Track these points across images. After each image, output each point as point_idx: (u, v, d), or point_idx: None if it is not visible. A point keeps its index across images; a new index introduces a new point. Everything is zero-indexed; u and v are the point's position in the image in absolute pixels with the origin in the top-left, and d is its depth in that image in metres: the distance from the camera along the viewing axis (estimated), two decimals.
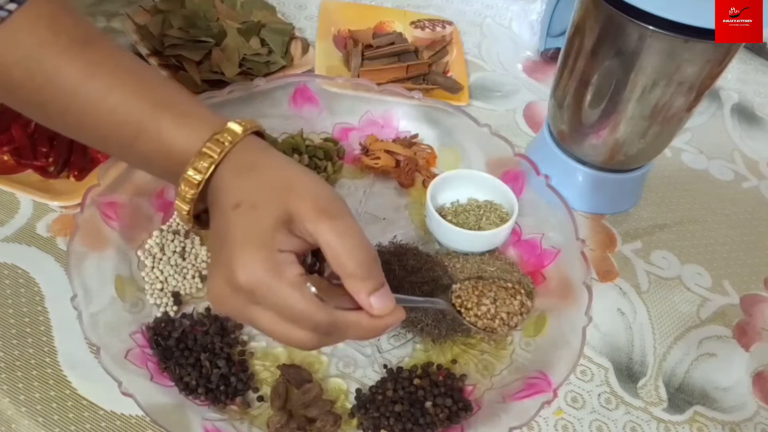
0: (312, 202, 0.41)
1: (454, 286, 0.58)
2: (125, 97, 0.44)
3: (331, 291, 0.42)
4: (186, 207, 0.44)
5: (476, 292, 0.57)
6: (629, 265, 0.70)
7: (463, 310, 0.57)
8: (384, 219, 0.69)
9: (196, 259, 0.61)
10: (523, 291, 0.59)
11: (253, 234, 0.40)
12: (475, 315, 0.56)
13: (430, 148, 0.73)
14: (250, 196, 0.41)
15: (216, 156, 0.42)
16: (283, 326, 0.40)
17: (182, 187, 0.44)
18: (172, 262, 0.59)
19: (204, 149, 0.43)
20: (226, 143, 0.43)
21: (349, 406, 0.54)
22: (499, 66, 0.92)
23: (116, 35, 0.83)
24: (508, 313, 0.57)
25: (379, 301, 0.42)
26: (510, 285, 0.59)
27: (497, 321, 0.56)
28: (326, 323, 0.40)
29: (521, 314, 0.57)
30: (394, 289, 0.59)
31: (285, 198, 0.41)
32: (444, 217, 0.65)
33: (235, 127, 0.44)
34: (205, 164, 0.42)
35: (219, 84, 0.75)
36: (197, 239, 0.62)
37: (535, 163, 0.66)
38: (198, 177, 0.43)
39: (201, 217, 0.47)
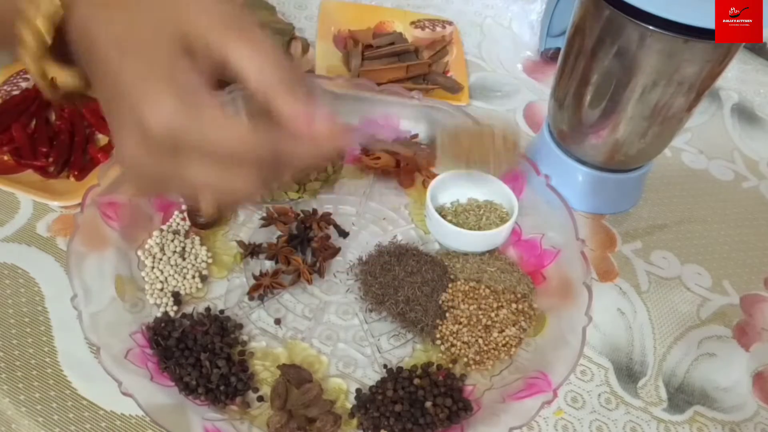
0: (212, 15, 0.34)
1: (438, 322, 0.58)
2: None
3: (260, 120, 0.35)
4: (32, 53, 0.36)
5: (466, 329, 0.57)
6: (629, 265, 0.70)
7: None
8: (384, 219, 0.69)
9: (196, 259, 0.61)
10: (521, 318, 0.59)
11: (151, 71, 0.32)
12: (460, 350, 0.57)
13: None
14: (132, 31, 0.34)
15: None
16: (219, 171, 0.34)
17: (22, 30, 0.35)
18: (172, 262, 0.59)
19: None
20: None
21: (349, 406, 0.54)
22: (499, 66, 0.92)
23: None
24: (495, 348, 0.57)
25: (321, 114, 0.35)
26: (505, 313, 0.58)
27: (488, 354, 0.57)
28: (268, 148, 0.34)
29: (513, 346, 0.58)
30: (394, 290, 0.60)
31: (176, 18, 0.34)
32: (444, 217, 0.65)
33: None
34: None
35: (219, 84, 0.74)
36: (197, 239, 0.62)
37: (535, 163, 0.66)
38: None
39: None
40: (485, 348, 0.57)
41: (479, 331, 0.57)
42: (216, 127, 0.33)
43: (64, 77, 0.39)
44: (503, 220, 0.65)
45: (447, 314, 0.58)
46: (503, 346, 0.57)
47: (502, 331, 0.57)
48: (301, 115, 0.34)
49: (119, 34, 0.33)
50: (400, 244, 0.64)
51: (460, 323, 0.57)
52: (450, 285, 0.60)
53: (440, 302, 0.59)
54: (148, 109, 0.32)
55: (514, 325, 0.58)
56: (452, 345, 0.57)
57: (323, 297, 0.61)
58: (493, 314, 0.58)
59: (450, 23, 0.93)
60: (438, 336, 0.58)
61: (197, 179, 0.34)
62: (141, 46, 0.33)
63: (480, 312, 0.58)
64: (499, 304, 0.58)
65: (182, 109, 0.32)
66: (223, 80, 0.81)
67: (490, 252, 0.65)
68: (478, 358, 0.57)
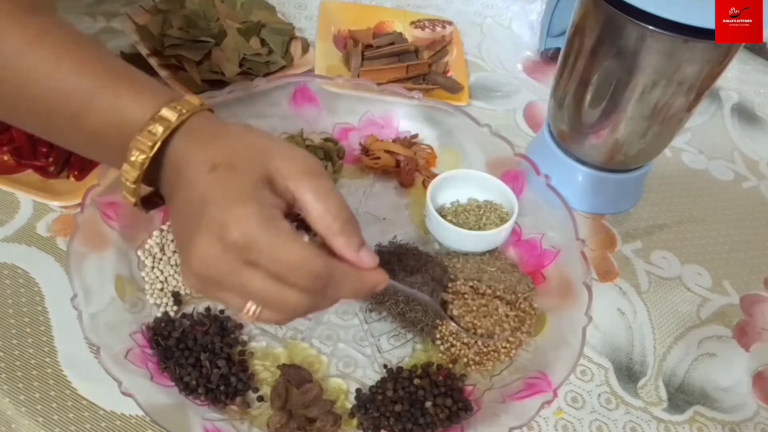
0: (293, 162, 0.40)
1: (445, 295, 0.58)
2: (75, 65, 0.41)
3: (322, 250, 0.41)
4: (134, 174, 0.40)
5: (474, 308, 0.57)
6: (629, 265, 0.70)
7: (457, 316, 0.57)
8: (384, 219, 0.69)
9: None
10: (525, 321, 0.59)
11: (240, 191, 0.38)
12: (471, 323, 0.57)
13: (430, 148, 0.73)
14: (226, 158, 0.39)
15: (173, 120, 0.40)
16: (276, 286, 0.38)
17: (132, 152, 0.40)
18: (172, 262, 0.59)
19: (160, 113, 0.40)
20: (184, 110, 0.40)
21: (349, 406, 0.54)
22: (499, 66, 0.92)
23: (116, 35, 0.83)
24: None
25: (368, 255, 0.42)
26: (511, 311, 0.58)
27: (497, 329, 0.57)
28: (325, 272, 0.39)
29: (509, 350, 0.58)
30: (394, 290, 0.59)
31: (264, 159, 0.39)
32: (444, 217, 0.65)
33: (192, 98, 0.41)
34: (161, 128, 0.39)
35: (219, 84, 0.75)
36: None
37: (535, 163, 0.66)
38: (150, 140, 0.39)
39: (150, 199, 0.44)
40: (485, 350, 0.57)
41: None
42: (287, 245, 0.37)
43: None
44: (503, 220, 0.65)
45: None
46: (503, 347, 0.57)
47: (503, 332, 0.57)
48: (353, 260, 0.41)
49: (215, 159, 0.39)
50: (400, 244, 0.64)
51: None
52: (450, 285, 0.60)
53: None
54: (234, 221, 0.37)
55: (516, 330, 0.58)
56: (452, 345, 0.57)
57: None
58: (494, 318, 0.57)
59: (450, 23, 0.93)
60: (438, 336, 0.58)
61: (255, 286, 0.38)
62: (234, 172, 0.38)
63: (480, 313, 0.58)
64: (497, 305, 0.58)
65: (262, 224, 0.37)
66: (223, 80, 0.80)
67: (490, 252, 0.65)
68: (477, 358, 0.57)
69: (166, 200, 0.43)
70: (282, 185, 0.39)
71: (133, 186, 0.41)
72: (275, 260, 0.37)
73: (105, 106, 0.41)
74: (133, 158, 0.40)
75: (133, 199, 0.42)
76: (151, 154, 0.40)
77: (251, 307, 0.39)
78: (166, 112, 0.40)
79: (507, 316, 0.58)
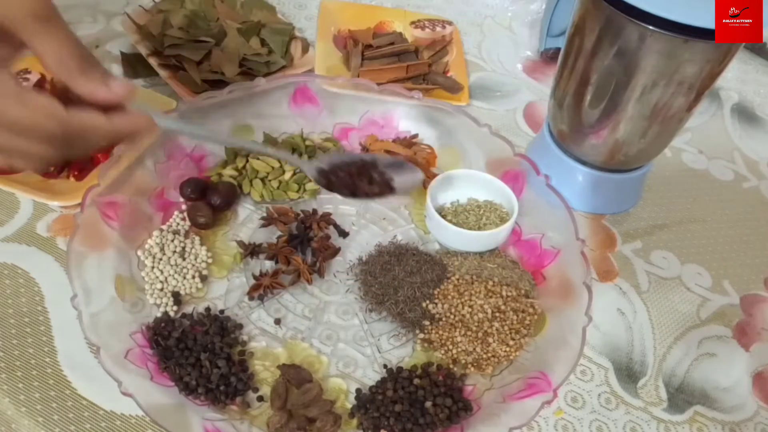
0: (23, 7, 0.38)
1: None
2: None
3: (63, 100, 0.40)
4: None
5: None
6: (629, 265, 0.70)
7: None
8: (384, 219, 0.69)
9: (196, 259, 0.61)
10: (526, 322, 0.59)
11: None
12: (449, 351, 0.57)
13: (430, 148, 0.73)
14: None
15: None
16: (14, 140, 0.38)
17: None
18: (172, 262, 0.60)
19: None
20: None
21: (349, 406, 0.54)
22: (499, 66, 0.92)
23: (116, 35, 0.83)
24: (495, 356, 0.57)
25: (116, 83, 0.41)
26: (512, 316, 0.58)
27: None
28: (57, 119, 0.38)
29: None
30: (394, 290, 0.60)
31: None
32: (444, 217, 0.65)
33: None
34: None
35: (219, 84, 0.75)
36: (197, 239, 0.62)
37: (535, 163, 0.66)
38: None
39: None
40: (484, 356, 0.57)
41: (477, 340, 0.57)
42: (14, 97, 0.37)
43: None
44: (503, 220, 0.65)
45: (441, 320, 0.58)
46: (503, 351, 0.57)
47: (502, 342, 0.57)
48: (94, 91, 0.40)
49: None
50: (400, 244, 0.64)
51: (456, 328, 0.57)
52: (443, 283, 0.60)
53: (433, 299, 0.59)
54: None
55: (516, 333, 0.58)
56: (448, 350, 0.57)
57: (323, 297, 0.61)
58: (496, 324, 0.57)
59: (450, 23, 0.93)
60: (436, 339, 0.58)
61: None
62: None
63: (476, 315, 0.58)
64: (498, 304, 0.58)
65: None
66: (223, 80, 0.80)
67: (491, 251, 0.65)
68: (476, 364, 0.57)
69: None
70: (7, 30, 0.38)
71: None
72: (3, 113, 0.37)
73: None
74: None
75: None
76: None
77: None
78: None
79: (506, 311, 0.58)
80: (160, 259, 0.59)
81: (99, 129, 0.42)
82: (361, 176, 0.58)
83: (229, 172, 0.67)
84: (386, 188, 0.59)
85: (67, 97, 0.41)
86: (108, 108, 0.42)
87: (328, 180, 0.58)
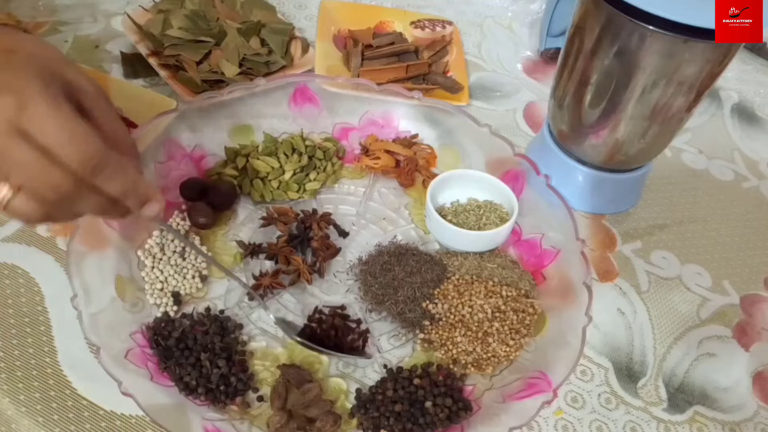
0: (89, 81, 0.42)
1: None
2: None
3: None
4: None
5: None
6: (629, 265, 0.70)
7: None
8: (384, 219, 0.69)
9: (196, 259, 0.61)
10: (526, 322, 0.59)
11: (27, 65, 0.38)
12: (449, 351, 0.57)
13: (430, 148, 0.73)
14: (16, 46, 0.39)
15: None
16: (41, 160, 0.37)
17: None
18: (172, 262, 0.60)
19: None
20: None
21: (349, 406, 0.54)
22: (499, 66, 0.92)
23: (116, 35, 0.83)
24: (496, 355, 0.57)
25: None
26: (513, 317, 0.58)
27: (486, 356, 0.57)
28: (98, 154, 0.38)
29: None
30: (394, 290, 0.60)
31: (58, 63, 0.40)
32: (444, 217, 0.65)
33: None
34: None
35: (219, 84, 0.75)
36: (197, 239, 0.62)
37: (535, 163, 0.66)
38: None
39: None
40: (484, 356, 0.57)
41: (477, 340, 0.57)
42: (64, 119, 0.37)
43: None
44: (503, 220, 0.65)
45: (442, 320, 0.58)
46: (503, 351, 0.57)
47: (503, 343, 0.57)
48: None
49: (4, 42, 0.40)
50: (400, 244, 0.64)
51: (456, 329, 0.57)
52: (443, 283, 0.60)
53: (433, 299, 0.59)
54: (15, 80, 0.37)
55: (516, 333, 0.58)
56: (448, 350, 0.57)
57: (323, 297, 0.61)
58: (496, 324, 0.57)
59: (450, 23, 0.93)
60: (437, 340, 0.58)
61: (18, 158, 0.37)
62: (24, 56, 0.39)
63: (476, 316, 0.58)
64: (498, 304, 0.58)
65: (43, 93, 0.37)
66: (223, 80, 0.80)
67: (491, 251, 0.65)
68: (477, 364, 0.56)
69: None
70: (74, 95, 0.40)
71: None
72: (47, 132, 0.36)
73: None
74: None
75: None
76: None
77: (3, 189, 0.37)
78: None
79: (506, 311, 0.58)
80: (160, 259, 0.59)
81: (127, 181, 0.42)
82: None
83: (229, 172, 0.67)
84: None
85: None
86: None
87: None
